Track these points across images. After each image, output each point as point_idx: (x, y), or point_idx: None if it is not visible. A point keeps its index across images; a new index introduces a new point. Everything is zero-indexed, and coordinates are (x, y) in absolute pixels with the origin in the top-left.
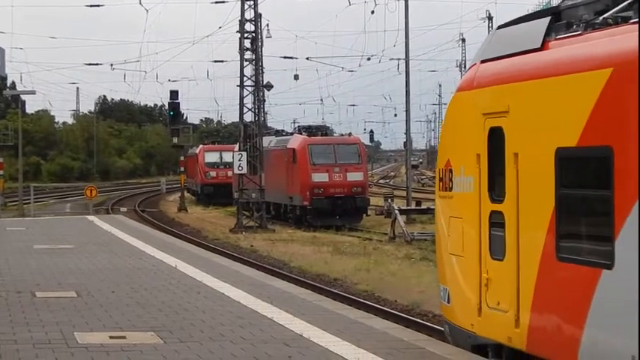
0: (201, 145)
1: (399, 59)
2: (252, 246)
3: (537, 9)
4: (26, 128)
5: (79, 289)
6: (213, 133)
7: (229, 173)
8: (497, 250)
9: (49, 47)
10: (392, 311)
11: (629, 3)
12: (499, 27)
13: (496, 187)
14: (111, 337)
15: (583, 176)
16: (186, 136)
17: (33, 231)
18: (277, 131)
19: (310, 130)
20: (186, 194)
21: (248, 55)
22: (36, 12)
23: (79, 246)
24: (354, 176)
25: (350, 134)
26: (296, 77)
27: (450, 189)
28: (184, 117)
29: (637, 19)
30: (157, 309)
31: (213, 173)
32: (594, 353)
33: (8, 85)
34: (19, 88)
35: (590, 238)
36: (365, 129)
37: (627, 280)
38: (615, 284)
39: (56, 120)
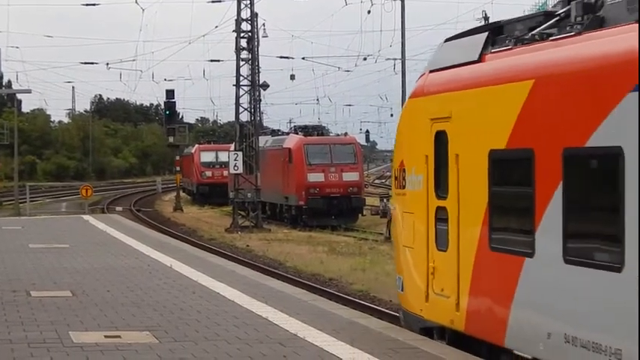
0: (197, 145)
1: (395, 59)
2: (247, 246)
3: (534, 10)
4: (22, 127)
5: (75, 288)
6: (209, 132)
7: (225, 173)
8: (441, 242)
9: (45, 46)
10: (387, 311)
11: (556, 20)
12: (446, 40)
13: (441, 185)
14: (106, 337)
15: (510, 175)
16: (182, 136)
17: (28, 230)
18: (273, 131)
19: (306, 130)
20: (182, 194)
21: (244, 54)
22: (32, 11)
23: (75, 245)
24: (350, 176)
25: (346, 134)
26: (292, 77)
27: (404, 187)
28: (180, 116)
29: (559, 36)
30: (152, 308)
31: (208, 173)
32: (518, 332)
33: (4, 83)
34: (15, 87)
35: (515, 231)
36: (361, 129)
37: (545, 267)
38: (536, 270)
39: (52, 119)
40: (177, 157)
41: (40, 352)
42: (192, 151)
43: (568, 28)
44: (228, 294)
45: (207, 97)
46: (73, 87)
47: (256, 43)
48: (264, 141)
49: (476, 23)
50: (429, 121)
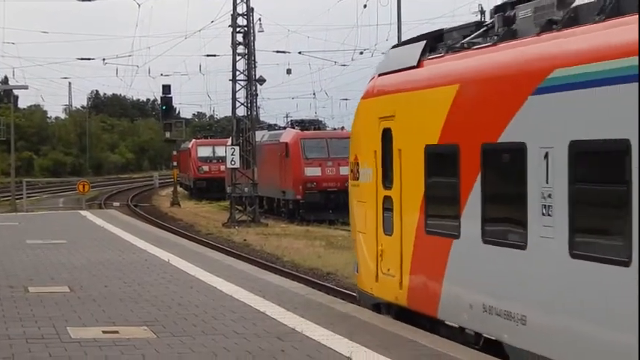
0: (193, 140)
1: None
2: (245, 240)
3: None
4: (18, 123)
5: (72, 283)
6: (206, 127)
7: (222, 167)
8: (387, 228)
9: (42, 42)
10: None
11: (483, 31)
12: (393, 46)
13: (387, 176)
14: (104, 332)
15: (441, 168)
16: (178, 131)
17: (25, 226)
18: (270, 125)
19: (303, 125)
20: (179, 189)
21: (240, 49)
22: (28, 6)
23: (72, 241)
24: (347, 170)
25: (342, 128)
26: (288, 71)
27: (358, 179)
28: (177, 111)
29: (484, 45)
30: (149, 303)
31: (205, 168)
32: (448, 304)
33: (0, 79)
34: (12, 82)
35: (445, 216)
36: None
37: (468, 247)
38: (461, 250)
39: (48, 115)
40: (175, 152)
41: (38, 348)
42: (189, 146)
43: (488, 39)
44: (225, 288)
45: (204, 92)
46: (69, 83)
47: (252, 38)
48: (260, 135)
49: (472, 17)
50: (377, 120)
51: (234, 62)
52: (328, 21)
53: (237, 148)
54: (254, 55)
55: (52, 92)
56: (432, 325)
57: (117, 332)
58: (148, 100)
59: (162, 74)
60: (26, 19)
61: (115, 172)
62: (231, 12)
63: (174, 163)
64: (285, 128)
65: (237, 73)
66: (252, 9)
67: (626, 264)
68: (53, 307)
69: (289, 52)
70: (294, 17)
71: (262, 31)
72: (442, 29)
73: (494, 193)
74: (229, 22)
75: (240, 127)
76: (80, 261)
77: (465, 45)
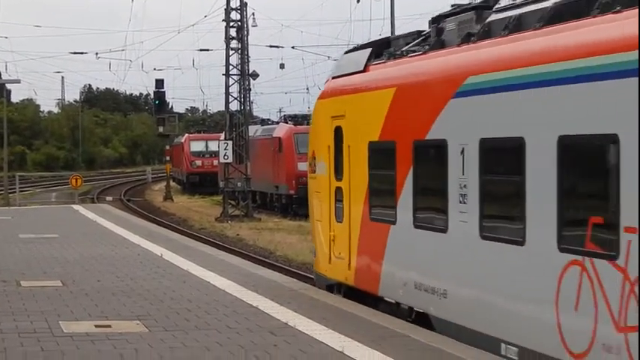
0: (186, 134)
1: None
2: (238, 235)
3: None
4: (11, 117)
5: (65, 278)
6: (199, 122)
7: (215, 162)
8: (339, 215)
9: (34, 36)
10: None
11: (421, 39)
12: (345, 52)
13: (338, 169)
14: (96, 326)
15: (381, 162)
16: (171, 125)
17: (18, 220)
18: (263, 120)
19: (296, 119)
20: (172, 183)
21: (234, 43)
22: (20, 0)
23: (65, 235)
24: None
25: None
26: (282, 66)
27: (315, 172)
28: (170, 106)
29: (417, 53)
30: (142, 298)
31: (198, 162)
32: (386, 283)
33: None
34: (4, 77)
35: (384, 205)
36: None
37: (402, 232)
38: (397, 234)
39: (41, 109)
40: (167, 147)
41: (31, 342)
42: (182, 140)
43: (422, 47)
44: (218, 283)
45: (197, 86)
46: (62, 77)
47: (246, 33)
48: (253, 130)
49: None
50: (331, 119)
51: (228, 57)
52: (322, 16)
53: (230, 142)
54: (247, 49)
55: (45, 86)
56: (374, 301)
57: (109, 326)
58: (141, 94)
59: (155, 69)
60: (19, 13)
61: (108, 166)
62: (225, 6)
63: (167, 158)
64: (278, 123)
65: (231, 67)
66: (246, 3)
67: (520, 242)
68: (45, 301)
69: (282, 47)
70: (287, 12)
71: (256, 26)
72: (389, 37)
73: (423, 184)
74: (223, 16)
75: (234, 122)
76: (73, 255)
77: (403, 52)
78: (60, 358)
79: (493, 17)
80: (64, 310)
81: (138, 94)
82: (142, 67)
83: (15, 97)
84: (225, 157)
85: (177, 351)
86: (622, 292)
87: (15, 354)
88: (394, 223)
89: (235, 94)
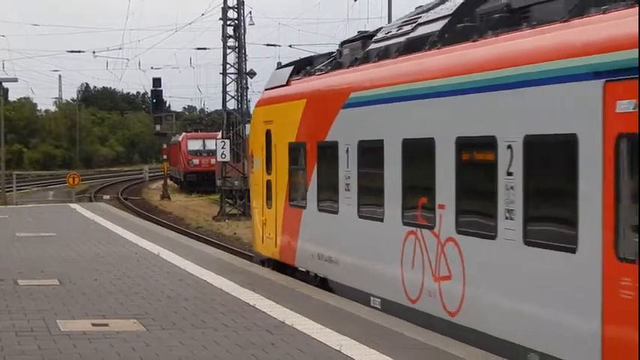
0: (184, 133)
1: None
2: (235, 234)
3: None
4: (8, 116)
5: (62, 276)
6: (196, 120)
7: (212, 161)
8: (269, 203)
9: (32, 34)
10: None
11: (330, 60)
12: (277, 68)
13: (269, 165)
14: (93, 325)
15: (297, 158)
16: (169, 124)
17: (15, 219)
18: None
19: None
20: (169, 182)
21: (231, 42)
22: None
23: (62, 234)
24: None
25: None
26: (279, 65)
27: (252, 168)
28: (167, 105)
29: (324, 71)
30: (139, 296)
31: (196, 161)
32: (301, 255)
33: None
34: (1, 75)
35: (299, 193)
36: None
37: (310, 214)
38: (307, 217)
39: (39, 108)
40: (165, 146)
41: (28, 341)
42: (180, 139)
43: (325, 67)
44: (215, 282)
45: (194, 85)
46: (59, 75)
47: (243, 31)
48: None
49: None
50: (263, 123)
51: (225, 55)
52: (319, 14)
53: (227, 141)
54: (244, 48)
55: (42, 85)
56: (292, 271)
57: (106, 325)
58: (139, 93)
59: (152, 67)
60: (16, 12)
61: (105, 165)
62: (222, 5)
63: (165, 157)
64: None
65: (228, 66)
66: (243, 2)
67: (381, 219)
68: (43, 300)
69: (280, 46)
70: (284, 10)
71: (253, 24)
72: (312, 56)
73: (323, 176)
74: (220, 15)
75: (231, 121)
76: (70, 254)
77: (313, 70)
78: (57, 357)
79: (372, 46)
80: (61, 308)
81: (135, 93)
82: (140, 65)
83: (12, 96)
84: (223, 156)
85: (174, 350)
86: (437, 251)
87: (12, 353)
88: (305, 208)
89: (233, 93)
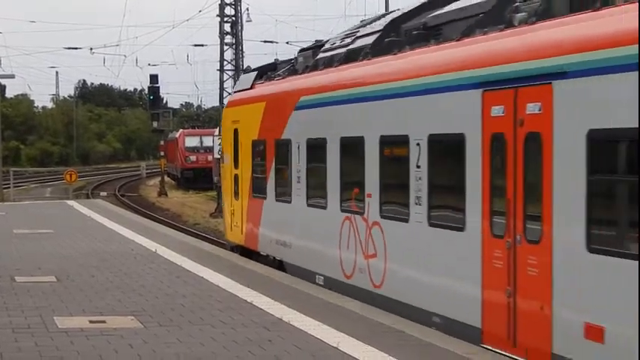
0: (181, 130)
1: None
2: None
3: None
4: (5, 113)
5: (59, 273)
6: (194, 117)
7: (209, 157)
8: (236, 195)
9: (29, 31)
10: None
11: (286, 70)
12: (244, 73)
13: (236, 160)
14: (91, 322)
15: (258, 154)
16: (166, 121)
17: (13, 216)
18: None
19: None
20: (167, 179)
21: (228, 39)
22: None
23: (59, 231)
24: None
25: None
26: (276, 61)
27: (223, 162)
28: (164, 101)
29: (281, 76)
30: (136, 293)
31: (193, 157)
32: (263, 241)
33: None
34: None
35: (260, 185)
36: None
37: (269, 204)
38: (267, 206)
39: (36, 104)
40: (162, 142)
41: (25, 338)
42: (177, 135)
43: (283, 72)
44: (212, 278)
45: (192, 81)
46: (56, 72)
47: (240, 28)
48: None
49: None
50: (232, 123)
51: (222, 52)
52: (316, 11)
53: None
54: (242, 45)
55: (40, 82)
56: (256, 256)
57: (104, 322)
58: (136, 89)
59: (149, 64)
60: (13, 8)
61: (103, 161)
62: (219, 1)
63: (162, 153)
64: None
65: (225, 63)
66: None
67: (324, 207)
68: (40, 296)
69: (277, 42)
70: (281, 7)
71: (250, 21)
72: (276, 61)
73: (279, 170)
74: (217, 11)
75: None
76: (67, 251)
77: (273, 75)
78: (54, 354)
79: (320, 55)
80: (59, 305)
81: (132, 90)
82: (137, 62)
83: (9, 92)
84: (220, 153)
85: (172, 347)
86: (366, 234)
87: (9, 349)
88: (265, 198)
89: (230, 90)
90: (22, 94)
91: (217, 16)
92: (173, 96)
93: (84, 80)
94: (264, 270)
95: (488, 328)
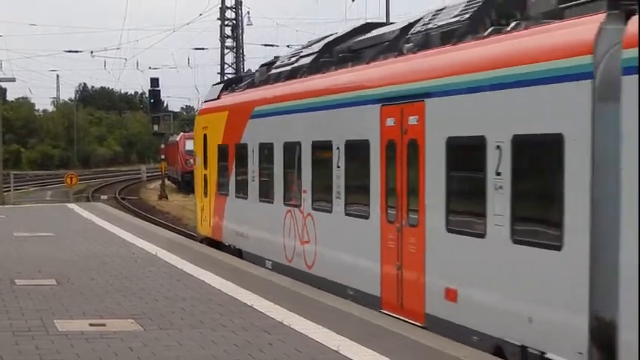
0: (181, 133)
1: None
2: None
3: None
4: (6, 116)
5: (59, 276)
6: (194, 120)
7: None
8: (205, 193)
9: (30, 34)
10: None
11: (246, 83)
12: (213, 85)
13: (205, 162)
14: (91, 325)
15: (223, 157)
16: (166, 124)
17: (13, 219)
18: None
19: None
20: (167, 182)
21: (229, 42)
22: None
23: (59, 234)
24: None
25: None
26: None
27: (196, 164)
28: (165, 104)
29: (242, 88)
30: (137, 297)
31: (193, 161)
32: (227, 234)
33: None
34: None
35: (224, 184)
36: None
37: (231, 201)
38: (230, 202)
39: (36, 107)
40: (162, 146)
41: (25, 341)
42: (177, 139)
43: (244, 85)
44: (213, 282)
45: (192, 85)
46: (57, 75)
47: (241, 31)
48: None
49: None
50: (202, 129)
51: (223, 55)
52: (317, 15)
53: None
54: (242, 48)
55: (40, 85)
56: (221, 246)
57: (104, 325)
58: (136, 93)
59: (150, 67)
60: (14, 11)
61: (103, 165)
62: (220, 5)
63: (162, 157)
64: None
65: (226, 66)
66: (241, 2)
67: (272, 202)
68: (40, 299)
69: (277, 46)
70: (282, 11)
71: (251, 25)
72: (242, 75)
73: (238, 170)
74: (218, 15)
75: None
76: (67, 254)
77: (237, 87)
78: (55, 357)
79: (272, 71)
80: (59, 308)
81: (133, 93)
82: (137, 65)
83: (10, 96)
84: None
85: (171, 349)
86: (302, 224)
87: (9, 352)
88: (228, 195)
89: None
90: (22, 98)
91: (218, 19)
92: (174, 99)
93: (84, 83)
94: (265, 274)
95: (385, 296)
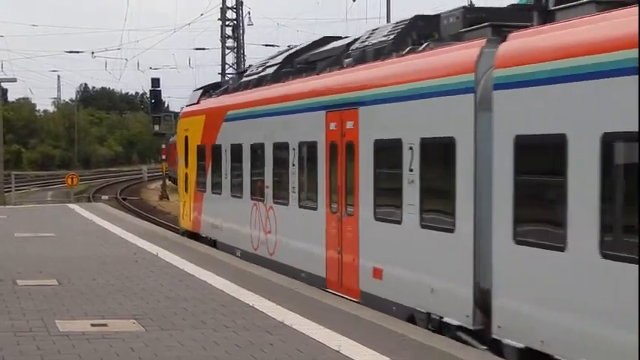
0: None
1: None
2: None
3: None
4: (7, 116)
5: (60, 277)
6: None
7: None
8: (186, 190)
9: (30, 35)
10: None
11: (222, 89)
12: (194, 90)
13: (186, 162)
14: (92, 325)
15: (201, 157)
16: (167, 124)
17: (14, 219)
18: None
19: None
20: (168, 182)
21: (229, 42)
22: None
23: (61, 234)
24: None
25: None
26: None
27: (178, 163)
28: (166, 105)
29: (218, 94)
30: (138, 297)
31: None
32: (204, 226)
33: None
34: (0, 75)
35: (202, 182)
36: None
37: (209, 197)
38: (207, 198)
39: (37, 108)
40: (163, 146)
41: (26, 341)
42: None
43: (221, 91)
44: (214, 282)
45: (193, 85)
46: (58, 76)
47: (242, 31)
48: None
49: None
50: (183, 131)
51: (224, 56)
52: (318, 15)
53: None
54: (243, 48)
55: (41, 85)
56: (200, 238)
57: (105, 325)
58: (137, 93)
59: (151, 67)
60: (15, 12)
61: (104, 165)
62: (221, 5)
63: (163, 157)
64: None
65: (227, 66)
66: (242, 2)
67: (241, 197)
68: (41, 300)
69: (278, 46)
70: (283, 11)
71: (252, 25)
72: (221, 81)
73: (214, 168)
74: (218, 15)
75: None
76: (68, 254)
77: (214, 93)
78: (56, 357)
79: (243, 78)
80: (60, 309)
81: (134, 93)
82: (138, 66)
83: (11, 96)
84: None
85: (173, 350)
86: (265, 215)
87: (11, 353)
88: (205, 192)
89: None
90: (23, 98)
91: (219, 19)
92: (175, 99)
93: (85, 84)
94: (266, 274)
95: (328, 276)
